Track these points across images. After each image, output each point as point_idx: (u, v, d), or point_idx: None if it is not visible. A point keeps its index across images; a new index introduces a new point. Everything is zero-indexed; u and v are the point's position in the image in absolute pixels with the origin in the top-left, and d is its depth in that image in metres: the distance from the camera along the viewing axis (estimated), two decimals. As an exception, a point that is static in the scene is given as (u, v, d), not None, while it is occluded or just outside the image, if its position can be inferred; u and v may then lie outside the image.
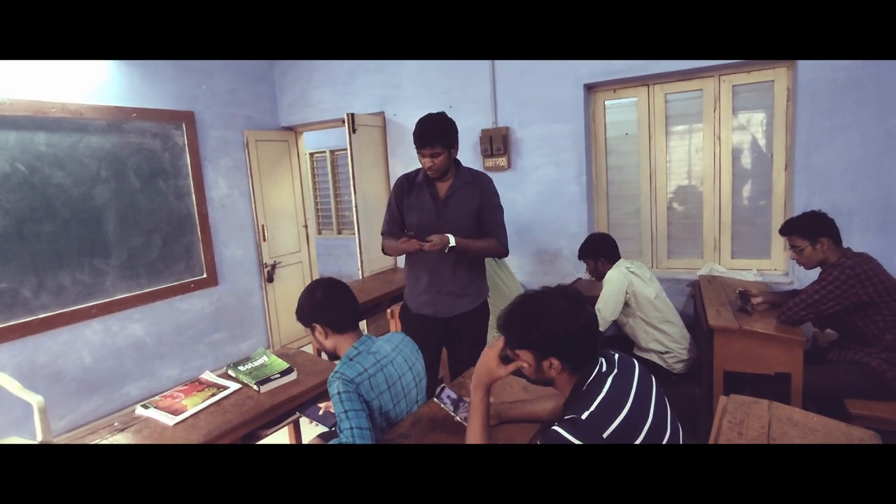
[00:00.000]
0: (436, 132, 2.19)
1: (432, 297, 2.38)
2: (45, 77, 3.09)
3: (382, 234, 2.47)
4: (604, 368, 1.21)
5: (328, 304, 1.69)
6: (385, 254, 2.52)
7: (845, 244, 2.30)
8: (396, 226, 2.41)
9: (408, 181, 2.39)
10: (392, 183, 4.17)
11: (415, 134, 2.21)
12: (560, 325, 1.16)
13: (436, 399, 1.59)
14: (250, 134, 4.28)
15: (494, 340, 1.33)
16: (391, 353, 1.72)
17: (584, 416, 1.09)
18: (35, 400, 2.42)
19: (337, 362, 1.73)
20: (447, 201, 2.31)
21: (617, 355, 1.27)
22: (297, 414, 2.09)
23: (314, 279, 1.81)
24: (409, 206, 2.36)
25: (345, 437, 1.49)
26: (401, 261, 4.18)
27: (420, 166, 2.32)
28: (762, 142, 3.10)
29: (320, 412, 1.90)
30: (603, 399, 1.12)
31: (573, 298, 1.20)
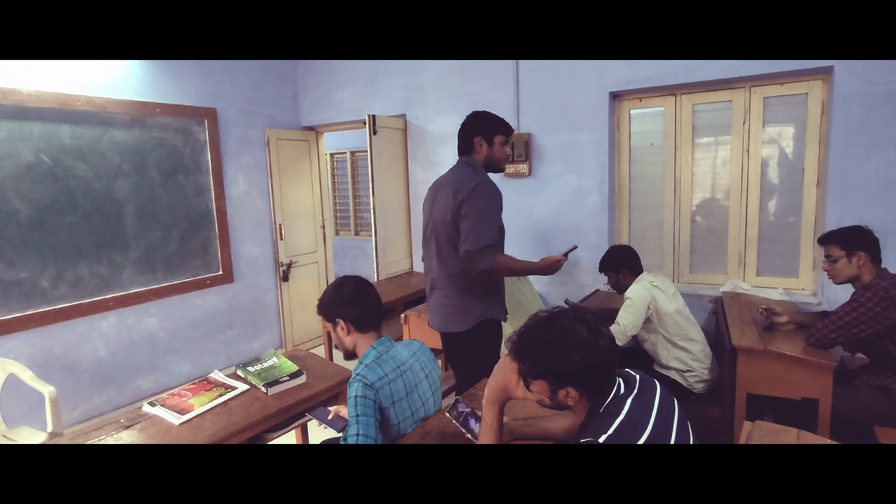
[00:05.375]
0: None
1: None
2: (71, 70, 3.13)
3: (489, 246, 2.02)
4: (622, 390, 1.14)
5: (356, 301, 1.68)
6: (495, 273, 2.11)
7: (879, 266, 2.20)
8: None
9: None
10: (410, 184, 4.15)
11: (500, 122, 2.17)
12: (578, 354, 1.08)
13: (447, 414, 1.54)
14: (272, 132, 4.29)
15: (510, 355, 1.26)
16: (409, 359, 1.70)
17: (601, 440, 1.03)
18: (47, 391, 2.43)
19: (352, 362, 1.72)
20: None
21: (638, 376, 1.20)
22: (306, 415, 2.06)
23: (343, 275, 1.79)
24: None
25: (350, 441, 1.49)
26: (419, 265, 4.14)
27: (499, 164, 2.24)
28: (793, 156, 2.99)
29: (329, 416, 1.86)
30: (622, 422, 1.06)
31: (590, 323, 1.11)
